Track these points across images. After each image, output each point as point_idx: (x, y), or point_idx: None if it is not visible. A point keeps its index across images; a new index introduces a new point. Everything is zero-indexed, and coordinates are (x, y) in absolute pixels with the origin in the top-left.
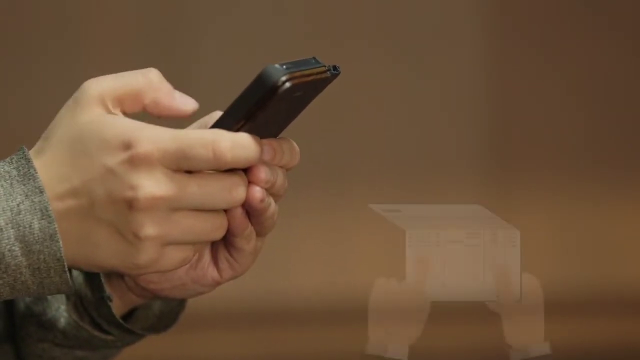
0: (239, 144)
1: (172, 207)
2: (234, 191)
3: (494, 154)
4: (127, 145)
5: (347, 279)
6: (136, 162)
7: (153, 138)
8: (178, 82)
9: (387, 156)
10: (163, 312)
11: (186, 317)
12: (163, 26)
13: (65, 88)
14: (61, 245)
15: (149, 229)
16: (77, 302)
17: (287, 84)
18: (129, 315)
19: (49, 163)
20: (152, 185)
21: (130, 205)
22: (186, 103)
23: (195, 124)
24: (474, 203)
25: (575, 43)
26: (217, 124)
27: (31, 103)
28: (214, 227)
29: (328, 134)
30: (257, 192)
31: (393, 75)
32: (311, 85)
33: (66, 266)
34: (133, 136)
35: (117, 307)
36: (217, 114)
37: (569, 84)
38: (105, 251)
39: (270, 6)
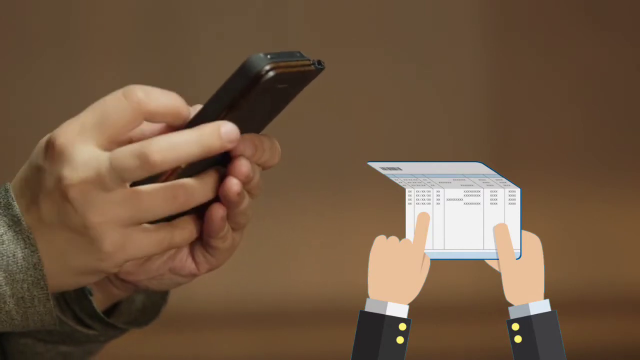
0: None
1: (100, 187)
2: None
3: (494, 154)
4: (48, 142)
5: (346, 279)
6: (56, 154)
7: (70, 125)
8: (178, 82)
9: (387, 157)
10: (146, 306)
11: (186, 317)
12: (163, 26)
13: (65, 88)
14: (45, 274)
15: (92, 216)
16: (59, 297)
17: (271, 73)
18: (112, 309)
19: (14, 184)
20: (71, 171)
21: (64, 196)
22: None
23: None
24: None
25: (575, 43)
26: (199, 115)
27: (31, 103)
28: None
29: (328, 133)
30: (235, 185)
31: (393, 75)
32: (295, 78)
33: (49, 295)
34: (53, 133)
35: (100, 301)
36: (198, 107)
37: (569, 84)
38: (71, 253)
39: (270, 6)
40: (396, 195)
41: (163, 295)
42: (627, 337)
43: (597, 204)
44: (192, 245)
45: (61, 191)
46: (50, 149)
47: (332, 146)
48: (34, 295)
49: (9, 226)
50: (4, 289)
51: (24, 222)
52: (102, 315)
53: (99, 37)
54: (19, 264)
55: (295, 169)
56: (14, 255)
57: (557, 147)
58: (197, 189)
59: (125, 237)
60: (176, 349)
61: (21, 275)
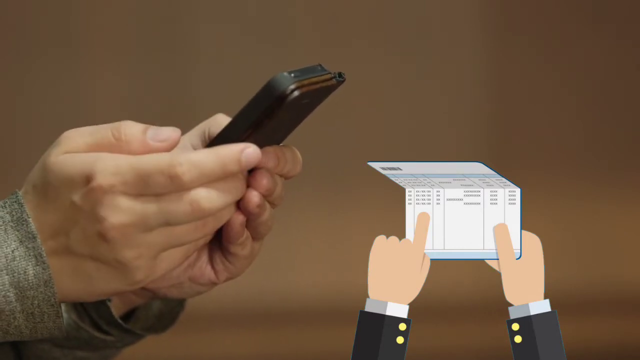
0: (195, 165)
1: (141, 230)
2: (195, 204)
3: (494, 154)
4: (88, 179)
5: (347, 279)
6: (98, 194)
7: (111, 169)
8: (178, 82)
9: (388, 157)
10: (162, 313)
11: (187, 317)
12: (163, 26)
13: (66, 88)
14: (56, 291)
15: (128, 254)
16: (77, 302)
17: (296, 93)
18: (128, 315)
19: (31, 207)
20: (115, 214)
21: (102, 237)
22: (162, 139)
23: (196, 129)
24: None
25: (575, 43)
26: (224, 133)
27: (31, 103)
28: (195, 228)
29: (327, 134)
30: (255, 197)
31: (393, 75)
32: (317, 93)
33: (60, 312)
34: (92, 169)
35: (117, 307)
36: (220, 117)
37: (569, 84)
38: (100, 280)
39: (271, 6)
40: (396, 195)
41: (180, 302)
42: (627, 337)
43: (597, 204)
44: (211, 254)
45: (100, 232)
46: (90, 188)
47: (332, 146)
48: (44, 311)
49: (20, 242)
50: (14, 305)
51: (38, 240)
52: (119, 321)
53: (99, 37)
54: (29, 281)
55: None
56: (25, 272)
57: (557, 147)
58: (225, 212)
59: (155, 265)
60: (176, 349)
61: (32, 292)
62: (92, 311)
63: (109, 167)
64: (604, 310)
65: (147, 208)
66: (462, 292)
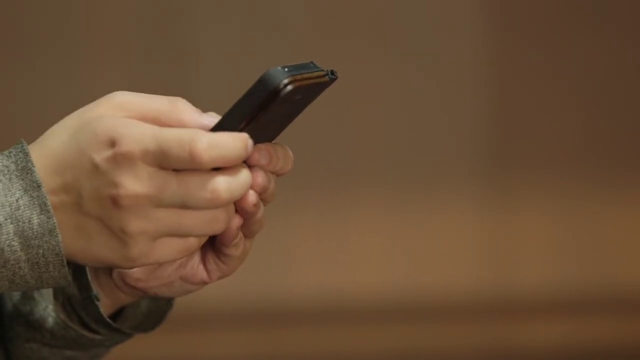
0: (217, 145)
1: (154, 203)
2: (215, 193)
3: (494, 154)
4: (112, 143)
5: (346, 279)
6: (119, 159)
7: (136, 136)
8: (178, 82)
9: (387, 156)
10: (151, 311)
11: (183, 317)
12: (163, 26)
13: (66, 88)
14: (60, 240)
15: (134, 224)
16: (65, 301)
17: (289, 87)
18: (117, 314)
19: (46, 153)
20: (133, 183)
21: (115, 202)
22: (212, 121)
23: None
24: (474, 203)
25: (575, 43)
26: (218, 127)
27: (31, 103)
28: (207, 221)
29: (327, 134)
30: (252, 196)
31: (393, 74)
32: (310, 89)
33: (65, 260)
34: (118, 133)
35: (106, 306)
36: (212, 115)
37: (569, 84)
38: (97, 244)
39: (270, 6)
40: (396, 195)
41: (168, 300)
42: (627, 337)
43: (597, 204)
44: (204, 253)
45: (114, 197)
46: (113, 153)
47: (332, 146)
48: (49, 261)
49: (25, 190)
50: (19, 254)
51: (43, 189)
52: (108, 320)
53: (99, 37)
54: (34, 230)
55: (295, 169)
56: (29, 220)
57: (557, 147)
58: (232, 211)
59: (153, 247)
60: (176, 349)
61: (36, 241)
62: (81, 310)
63: (133, 133)
64: (604, 310)
65: (166, 183)
66: (462, 292)
